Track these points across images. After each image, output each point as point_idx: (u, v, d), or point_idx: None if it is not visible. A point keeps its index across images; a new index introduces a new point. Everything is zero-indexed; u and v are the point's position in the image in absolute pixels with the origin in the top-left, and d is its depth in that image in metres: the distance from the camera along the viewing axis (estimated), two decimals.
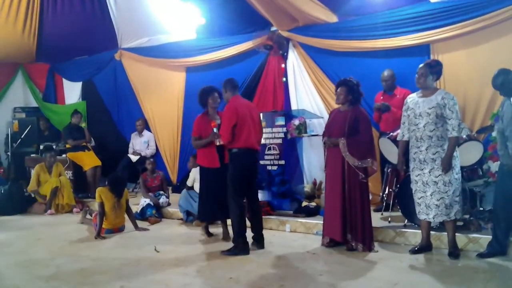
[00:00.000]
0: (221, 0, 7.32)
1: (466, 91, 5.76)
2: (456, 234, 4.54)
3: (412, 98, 4.56)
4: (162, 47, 8.52)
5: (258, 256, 4.75)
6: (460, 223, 4.90)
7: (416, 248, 4.60)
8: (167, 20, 8.19)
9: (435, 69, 4.47)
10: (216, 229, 5.75)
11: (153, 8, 8.13)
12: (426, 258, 4.44)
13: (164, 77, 8.62)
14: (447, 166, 4.25)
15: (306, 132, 6.33)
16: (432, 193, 4.35)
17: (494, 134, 4.80)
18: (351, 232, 4.69)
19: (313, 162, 7.05)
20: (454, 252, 4.40)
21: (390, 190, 5.60)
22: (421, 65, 4.49)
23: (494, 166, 4.75)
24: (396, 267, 4.22)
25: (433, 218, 4.40)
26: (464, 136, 4.57)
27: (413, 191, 4.54)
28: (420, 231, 4.73)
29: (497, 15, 5.43)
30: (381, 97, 6.07)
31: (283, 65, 7.28)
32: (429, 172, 4.34)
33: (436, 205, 4.34)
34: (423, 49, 6.04)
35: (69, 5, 8.40)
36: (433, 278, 3.88)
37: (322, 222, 5.19)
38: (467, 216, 4.97)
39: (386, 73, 6.00)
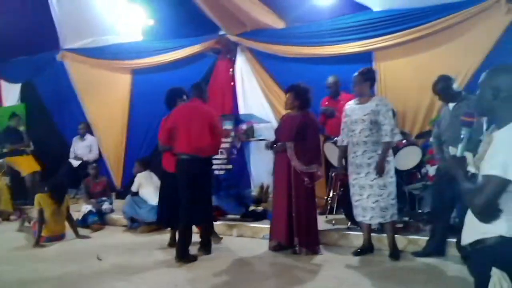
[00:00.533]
0: (169, 2, 7.23)
1: (406, 97, 5.99)
2: (396, 235, 4.68)
3: (350, 105, 4.69)
4: (107, 48, 8.31)
5: (204, 261, 4.70)
6: (400, 225, 5.06)
7: (358, 250, 4.71)
8: (113, 21, 8.01)
9: (368, 76, 4.60)
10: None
11: (99, 8, 7.92)
12: (368, 260, 4.55)
13: (109, 79, 8.41)
14: (380, 169, 4.37)
15: (253, 137, 6.35)
16: (368, 195, 4.46)
17: (431, 139, 5.01)
18: (297, 236, 4.73)
19: (261, 167, 7.08)
20: (394, 253, 4.54)
21: (334, 193, 5.72)
22: (355, 74, 4.62)
23: (432, 169, 4.95)
24: (340, 269, 4.29)
25: (370, 220, 4.51)
26: (397, 140, 4.70)
27: (351, 194, 4.65)
28: (361, 233, 4.85)
29: (436, 25, 5.70)
30: (326, 102, 6.20)
31: (231, 69, 7.29)
32: (365, 176, 4.46)
33: (372, 207, 4.45)
34: (366, 57, 6.23)
35: (8, 1, 8.01)
36: (373, 279, 3.97)
37: (269, 226, 5.21)
38: (406, 218, 5.15)
39: (330, 79, 6.13)
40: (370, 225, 4.64)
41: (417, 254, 4.58)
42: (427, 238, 4.67)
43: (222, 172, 6.28)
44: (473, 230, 1.99)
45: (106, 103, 8.41)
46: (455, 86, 4.44)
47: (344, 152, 4.73)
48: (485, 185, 1.88)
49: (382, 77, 6.13)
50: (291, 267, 4.43)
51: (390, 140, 4.41)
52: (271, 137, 6.86)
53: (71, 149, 8.41)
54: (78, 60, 8.62)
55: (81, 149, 8.33)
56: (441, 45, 5.81)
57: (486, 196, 1.86)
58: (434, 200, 4.69)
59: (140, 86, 8.14)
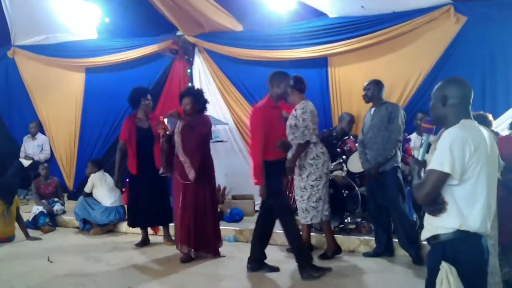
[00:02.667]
0: (125, 1, 7.14)
1: (359, 102, 6.13)
2: (349, 236, 4.87)
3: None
4: (60, 46, 8.10)
5: (158, 264, 4.69)
6: (352, 226, 5.23)
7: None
8: (67, 18, 7.77)
9: (293, 83, 4.68)
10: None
11: (52, 5, 7.67)
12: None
13: (62, 78, 8.20)
14: (289, 170, 4.52)
15: (211, 138, 6.35)
16: (296, 196, 4.75)
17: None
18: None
19: (218, 168, 7.08)
20: (325, 252, 4.72)
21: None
22: None
23: None
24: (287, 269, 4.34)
25: (300, 219, 4.72)
26: (304, 141, 4.66)
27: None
28: (316, 234, 5.02)
29: (388, 32, 5.90)
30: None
31: (188, 71, 7.28)
32: (295, 177, 4.72)
33: (299, 207, 4.70)
34: (322, 62, 6.39)
35: None
36: (330, 277, 4.09)
37: (226, 227, 5.23)
38: (359, 220, 5.31)
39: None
40: (309, 225, 4.79)
41: (367, 254, 4.74)
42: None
43: None
44: (429, 226, 2.20)
45: (58, 102, 8.19)
46: (382, 91, 4.71)
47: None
48: (426, 178, 2.15)
49: (336, 82, 6.30)
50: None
51: (300, 142, 4.51)
52: (228, 138, 6.96)
53: (22, 148, 8.14)
54: (29, 57, 8.36)
55: (32, 149, 8.08)
56: (393, 51, 6.01)
57: (427, 188, 2.12)
58: (367, 203, 4.93)
59: (93, 85, 7.97)
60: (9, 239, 5.63)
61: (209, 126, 4.89)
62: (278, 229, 4.44)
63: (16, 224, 5.74)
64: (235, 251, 5.01)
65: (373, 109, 4.71)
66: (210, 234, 4.73)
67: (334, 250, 4.70)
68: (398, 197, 4.54)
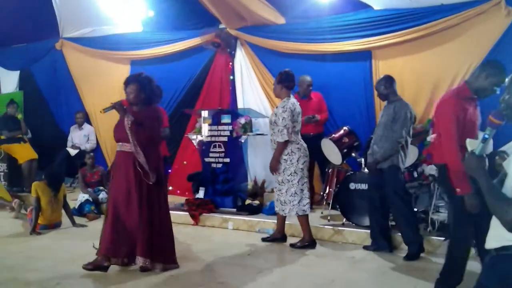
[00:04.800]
0: None
1: (404, 96, 6.01)
2: (393, 234, 4.81)
3: None
4: (106, 39, 8.30)
5: (198, 253, 4.75)
6: (393, 223, 5.12)
7: (268, 238, 5.08)
8: (113, 11, 7.97)
9: (279, 78, 4.89)
10: None
11: None
12: (362, 254, 4.61)
13: (107, 70, 8.40)
14: (271, 166, 4.83)
15: (251, 131, 6.39)
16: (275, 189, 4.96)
17: (428, 138, 5.07)
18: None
19: (257, 161, 7.14)
20: (298, 242, 4.87)
21: (330, 189, 5.77)
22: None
23: (428, 169, 5.01)
24: (334, 264, 4.36)
25: (278, 211, 4.94)
26: (281, 141, 4.78)
27: None
28: (356, 229, 5.03)
29: (435, 25, 5.74)
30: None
31: (230, 64, 7.31)
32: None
33: (276, 199, 4.92)
34: (365, 55, 6.28)
35: None
36: (366, 275, 4.05)
37: (265, 220, 5.24)
38: None
39: (302, 78, 6.16)
40: (282, 216, 4.95)
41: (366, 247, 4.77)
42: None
43: (219, 166, 6.31)
44: (500, 235, 1.94)
45: (103, 93, 8.37)
46: (394, 87, 4.67)
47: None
48: None
49: (379, 76, 6.15)
50: (285, 260, 4.51)
51: (281, 140, 4.71)
52: (268, 131, 6.95)
53: (69, 138, 8.41)
54: (76, 49, 8.62)
55: (79, 138, 8.34)
56: (439, 45, 5.85)
57: None
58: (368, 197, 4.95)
59: None
60: (56, 225, 5.83)
61: (159, 117, 4.24)
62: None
63: (62, 211, 5.94)
64: (274, 244, 5.02)
65: (385, 106, 4.71)
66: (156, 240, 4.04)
67: (308, 243, 4.84)
68: (394, 196, 4.52)
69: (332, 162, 5.70)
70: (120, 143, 4.09)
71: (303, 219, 4.86)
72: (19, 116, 8.33)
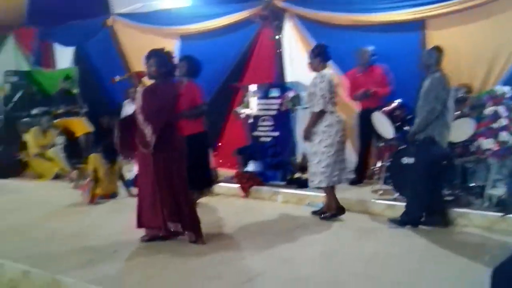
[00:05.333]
0: None
1: (459, 68, 5.79)
2: (448, 209, 4.71)
3: None
4: (155, 14, 8.38)
5: (247, 225, 4.83)
6: (450, 198, 5.01)
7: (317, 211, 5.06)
8: None
9: (315, 52, 4.90)
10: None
11: None
12: (413, 229, 4.53)
13: (157, 45, 8.24)
14: (304, 135, 4.87)
15: (300, 105, 6.34)
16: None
17: (486, 111, 4.87)
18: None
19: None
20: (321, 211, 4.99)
21: (382, 164, 5.68)
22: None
23: (485, 143, 4.82)
24: (384, 238, 4.32)
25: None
26: (317, 111, 4.77)
27: None
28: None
29: None
30: (357, 74, 6.10)
31: (276, 37, 7.24)
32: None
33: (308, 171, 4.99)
34: (418, 25, 6.04)
35: None
36: (415, 250, 4.00)
37: (314, 193, 5.25)
38: (457, 192, 5.07)
39: (364, 49, 6.00)
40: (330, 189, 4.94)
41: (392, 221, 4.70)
42: (478, 211, 4.67)
43: (268, 139, 6.33)
44: None
45: None
46: (437, 58, 4.56)
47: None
48: None
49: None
50: (335, 233, 4.51)
51: (317, 110, 4.73)
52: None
53: (122, 112, 8.64)
54: (126, 25, 8.76)
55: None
56: (497, 14, 5.53)
57: None
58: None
59: (186, 52, 8.17)
60: (112, 196, 6.07)
61: (176, 92, 4.30)
62: None
63: (118, 183, 6.17)
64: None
65: (425, 78, 4.62)
66: (180, 209, 4.12)
67: (336, 212, 4.93)
68: (420, 167, 4.54)
69: (383, 136, 5.58)
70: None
71: (330, 189, 4.92)
72: (75, 91, 8.64)
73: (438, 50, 4.62)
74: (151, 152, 3.99)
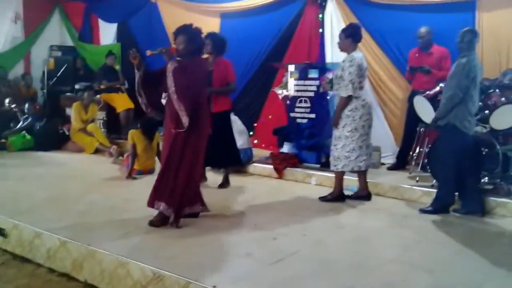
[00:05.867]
0: None
1: (509, 51, 5.54)
2: (486, 198, 4.59)
3: None
4: None
5: (280, 204, 4.85)
6: (489, 187, 4.85)
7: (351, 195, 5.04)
8: None
9: (348, 32, 4.79)
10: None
11: None
12: (448, 219, 4.43)
13: (199, 23, 8.09)
14: (336, 121, 4.79)
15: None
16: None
17: None
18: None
19: None
20: (326, 196, 4.95)
21: (421, 150, 5.54)
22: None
23: None
24: (420, 225, 4.23)
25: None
26: (345, 95, 4.71)
27: None
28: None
29: None
30: (416, 54, 5.89)
31: (320, 16, 7.09)
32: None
33: (330, 155, 4.97)
34: (469, 5, 5.78)
35: None
36: (450, 238, 3.89)
37: (349, 177, 5.19)
38: (497, 180, 4.90)
39: (423, 29, 5.76)
40: (358, 172, 4.93)
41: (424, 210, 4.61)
42: None
43: (304, 121, 6.26)
44: None
45: None
46: (470, 41, 4.40)
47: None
48: None
49: (482, 29, 5.67)
50: (361, 218, 4.47)
51: (345, 95, 4.66)
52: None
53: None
54: (169, 2, 8.82)
55: None
56: None
57: None
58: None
59: (227, 31, 8.15)
60: (150, 171, 6.17)
61: (205, 69, 4.24)
62: None
63: (156, 159, 6.28)
64: (357, 201, 4.96)
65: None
66: (193, 191, 4.08)
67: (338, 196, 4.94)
68: (443, 154, 4.51)
69: (424, 121, 5.41)
70: (165, 93, 4.07)
71: (341, 175, 4.91)
72: (117, 67, 8.81)
73: (471, 32, 4.45)
74: (184, 129, 3.85)
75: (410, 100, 5.77)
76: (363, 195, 5.00)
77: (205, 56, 5.23)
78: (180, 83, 3.84)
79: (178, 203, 3.91)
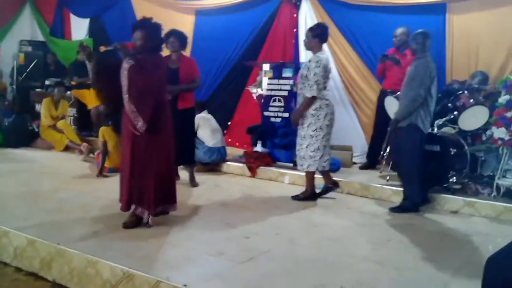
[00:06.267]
0: None
1: (478, 54, 5.67)
2: (453, 196, 4.74)
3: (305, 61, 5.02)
4: None
5: (253, 203, 4.86)
6: (457, 187, 4.96)
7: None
8: None
9: (315, 32, 4.81)
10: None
11: None
12: (418, 217, 4.52)
13: (174, 19, 8.40)
14: (294, 119, 4.85)
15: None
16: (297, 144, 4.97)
17: (500, 100, 4.77)
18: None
19: None
20: (298, 195, 5.00)
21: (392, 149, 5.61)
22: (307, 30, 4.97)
23: (498, 132, 4.73)
24: (390, 224, 4.30)
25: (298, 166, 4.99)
26: (311, 95, 4.75)
27: None
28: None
29: None
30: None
31: (295, 15, 7.13)
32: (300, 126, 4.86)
33: (296, 155, 4.97)
34: (440, 8, 5.90)
35: None
36: (418, 235, 3.97)
37: (321, 176, 5.25)
38: (465, 180, 5.02)
39: (398, 30, 5.85)
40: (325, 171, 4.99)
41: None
42: (483, 201, 4.64)
43: (278, 120, 6.29)
44: None
45: None
46: (425, 43, 4.51)
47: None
48: None
49: (453, 31, 5.81)
50: (339, 216, 4.50)
51: (310, 95, 4.68)
52: (330, 88, 6.78)
53: None
54: None
55: None
56: None
57: None
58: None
59: (202, 28, 8.13)
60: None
61: (164, 67, 3.99)
62: None
63: None
64: (329, 201, 5.02)
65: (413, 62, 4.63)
66: (166, 189, 3.93)
67: (310, 196, 4.99)
68: (407, 155, 4.55)
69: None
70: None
71: (312, 174, 4.95)
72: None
73: (422, 34, 4.54)
74: (140, 132, 3.64)
75: (381, 99, 5.85)
76: (331, 186, 5.07)
77: (169, 53, 5.21)
78: (136, 83, 3.62)
79: (152, 204, 3.82)
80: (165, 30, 4.03)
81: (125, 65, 3.65)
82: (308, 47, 4.89)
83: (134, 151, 3.75)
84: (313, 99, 4.72)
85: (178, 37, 5.25)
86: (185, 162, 5.61)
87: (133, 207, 3.83)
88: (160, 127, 3.77)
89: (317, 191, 5.10)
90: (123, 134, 3.95)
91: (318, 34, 4.80)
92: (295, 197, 4.99)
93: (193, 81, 5.32)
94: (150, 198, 3.80)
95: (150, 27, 3.79)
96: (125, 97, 3.66)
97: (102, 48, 3.90)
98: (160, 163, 3.83)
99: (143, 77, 3.63)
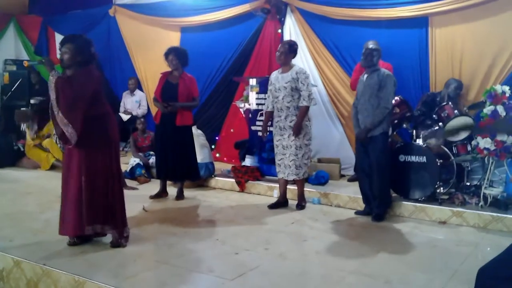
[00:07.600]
0: None
1: (461, 65, 5.76)
2: (441, 207, 4.76)
3: (274, 74, 5.17)
4: (157, 5, 8.35)
5: (242, 218, 4.83)
6: (445, 197, 5.00)
7: (273, 204, 5.26)
8: None
9: (293, 48, 5.07)
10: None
11: None
12: (409, 227, 4.53)
13: (159, 36, 8.47)
14: (297, 131, 4.94)
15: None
16: (289, 155, 5.04)
17: (485, 110, 4.84)
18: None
19: None
20: (300, 203, 5.21)
21: None
22: (281, 44, 5.20)
23: (483, 142, 4.78)
24: (381, 236, 4.31)
25: (287, 176, 5.11)
26: (313, 105, 5.07)
27: (275, 154, 5.22)
28: (404, 202, 4.94)
29: None
30: (361, 67, 6.04)
31: (279, 31, 7.19)
32: (288, 137, 5.01)
33: (289, 165, 5.04)
34: (422, 22, 5.99)
35: None
36: (417, 247, 3.98)
37: (310, 189, 5.25)
38: (453, 190, 5.06)
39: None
40: (286, 181, 5.21)
41: (358, 212, 5.04)
42: (471, 211, 4.66)
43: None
44: None
45: (155, 60, 8.45)
46: (377, 56, 4.84)
47: (269, 117, 5.26)
48: None
49: (435, 44, 5.90)
50: (333, 229, 4.50)
51: (307, 105, 4.92)
52: (316, 101, 6.85)
53: (121, 103, 8.64)
54: (128, 16, 8.73)
55: (131, 104, 8.56)
56: (501, 13, 5.48)
57: None
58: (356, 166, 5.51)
59: (187, 44, 8.11)
60: None
61: (96, 79, 3.75)
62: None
63: None
64: (319, 213, 5.03)
65: (366, 75, 4.85)
66: (108, 208, 3.78)
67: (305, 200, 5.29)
68: (384, 162, 4.75)
69: None
70: None
71: (303, 181, 5.24)
72: None
73: (379, 49, 4.90)
74: (71, 145, 3.59)
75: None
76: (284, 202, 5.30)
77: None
78: (64, 95, 3.54)
79: (120, 222, 3.80)
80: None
81: (51, 78, 3.61)
82: (285, 61, 5.05)
83: (80, 168, 3.64)
84: (308, 109, 4.97)
85: (177, 55, 5.44)
86: (190, 179, 5.80)
87: (97, 226, 3.71)
88: (105, 139, 3.74)
89: (309, 203, 5.10)
90: (64, 157, 3.84)
91: (295, 50, 5.10)
92: (301, 207, 5.20)
93: (192, 99, 5.47)
94: (118, 217, 3.79)
95: (79, 42, 3.71)
96: (55, 110, 3.58)
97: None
98: (108, 181, 3.73)
99: (71, 89, 3.56)
